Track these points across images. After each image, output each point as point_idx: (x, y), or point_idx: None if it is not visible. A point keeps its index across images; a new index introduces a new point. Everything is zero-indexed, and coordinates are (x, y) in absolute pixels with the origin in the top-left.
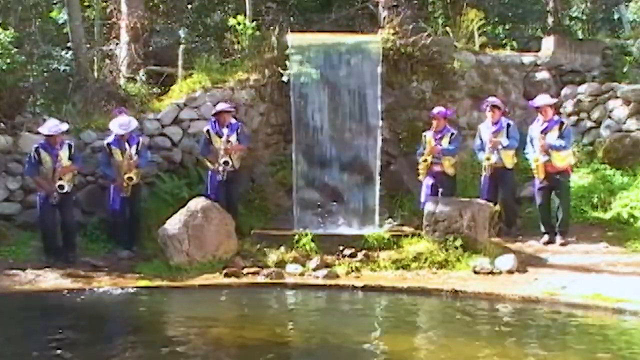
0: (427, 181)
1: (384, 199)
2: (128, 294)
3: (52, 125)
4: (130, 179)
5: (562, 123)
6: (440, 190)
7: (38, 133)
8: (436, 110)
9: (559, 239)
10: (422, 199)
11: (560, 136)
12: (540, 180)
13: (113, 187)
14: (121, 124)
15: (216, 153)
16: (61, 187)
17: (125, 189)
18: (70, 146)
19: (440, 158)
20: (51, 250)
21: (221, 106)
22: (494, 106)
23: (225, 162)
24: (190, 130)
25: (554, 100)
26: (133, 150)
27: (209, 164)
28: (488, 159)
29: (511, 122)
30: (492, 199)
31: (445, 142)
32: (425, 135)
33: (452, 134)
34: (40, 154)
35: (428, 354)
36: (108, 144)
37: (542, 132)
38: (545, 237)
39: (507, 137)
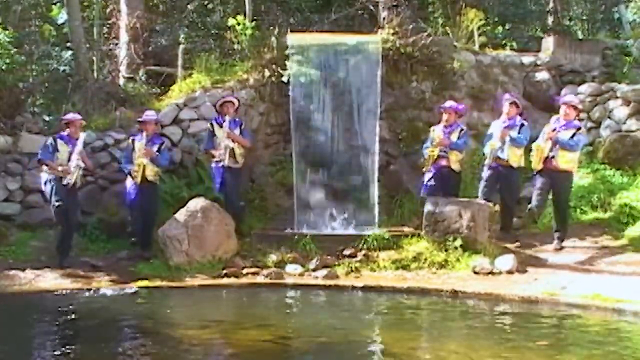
0: (427, 176)
1: (384, 199)
2: (127, 294)
3: (73, 114)
4: (140, 164)
5: (579, 128)
6: (446, 187)
7: (38, 133)
8: (448, 104)
9: (554, 244)
10: (422, 189)
11: (572, 138)
12: (539, 177)
13: (131, 183)
14: (148, 113)
15: (219, 143)
16: (78, 166)
17: (136, 174)
18: (84, 144)
19: (447, 152)
20: (65, 249)
21: (224, 96)
22: (512, 102)
23: (227, 146)
24: (190, 130)
25: (579, 103)
26: (155, 147)
27: (211, 157)
28: (492, 145)
29: (525, 123)
30: (491, 196)
31: (454, 137)
32: (433, 130)
33: (462, 129)
34: (57, 143)
35: (428, 354)
36: (132, 140)
37: (555, 129)
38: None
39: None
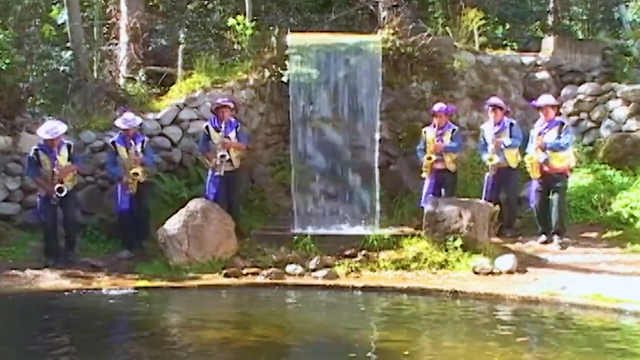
0: (429, 180)
1: (384, 199)
2: (127, 294)
3: (50, 128)
4: (135, 174)
5: (562, 124)
6: (443, 188)
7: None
8: (437, 107)
9: (556, 241)
10: (423, 199)
11: (559, 137)
12: (538, 180)
13: (120, 186)
14: (126, 119)
15: (214, 149)
16: (60, 189)
17: (131, 185)
18: (69, 146)
19: (441, 155)
20: (51, 251)
21: (220, 100)
22: (495, 106)
23: (222, 156)
24: (190, 130)
25: (556, 101)
26: (138, 147)
27: (207, 160)
28: (491, 159)
29: (514, 122)
30: (494, 198)
31: (446, 139)
32: (425, 131)
33: (454, 130)
34: (39, 156)
35: (428, 354)
36: (113, 142)
37: (540, 132)
38: (543, 237)
39: (510, 136)
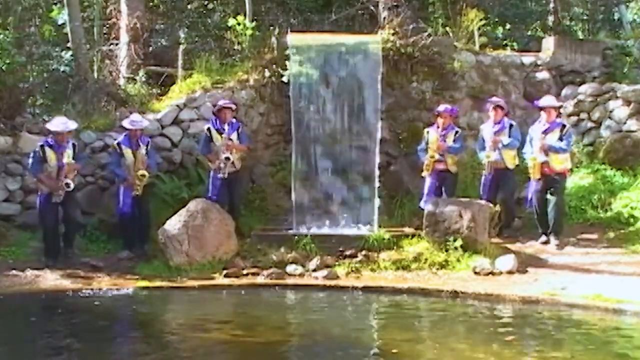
0: (430, 180)
1: (384, 199)
2: (127, 294)
3: (60, 122)
4: (143, 176)
5: (563, 126)
6: (444, 189)
7: (38, 133)
8: (442, 107)
9: (553, 241)
10: (424, 199)
11: (560, 139)
12: (536, 181)
13: (123, 188)
14: (133, 120)
15: (217, 151)
16: (68, 184)
17: (137, 187)
18: (74, 146)
19: (443, 155)
20: (51, 251)
21: (222, 102)
22: (497, 106)
23: (227, 159)
24: (190, 130)
25: (559, 103)
26: (143, 149)
27: (209, 163)
28: (488, 156)
29: (513, 123)
30: (493, 199)
31: (449, 140)
32: (427, 132)
33: (457, 132)
34: (45, 152)
35: (428, 355)
36: (118, 144)
37: (543, 132)
38: (543, 238)
39: (509, 137)
